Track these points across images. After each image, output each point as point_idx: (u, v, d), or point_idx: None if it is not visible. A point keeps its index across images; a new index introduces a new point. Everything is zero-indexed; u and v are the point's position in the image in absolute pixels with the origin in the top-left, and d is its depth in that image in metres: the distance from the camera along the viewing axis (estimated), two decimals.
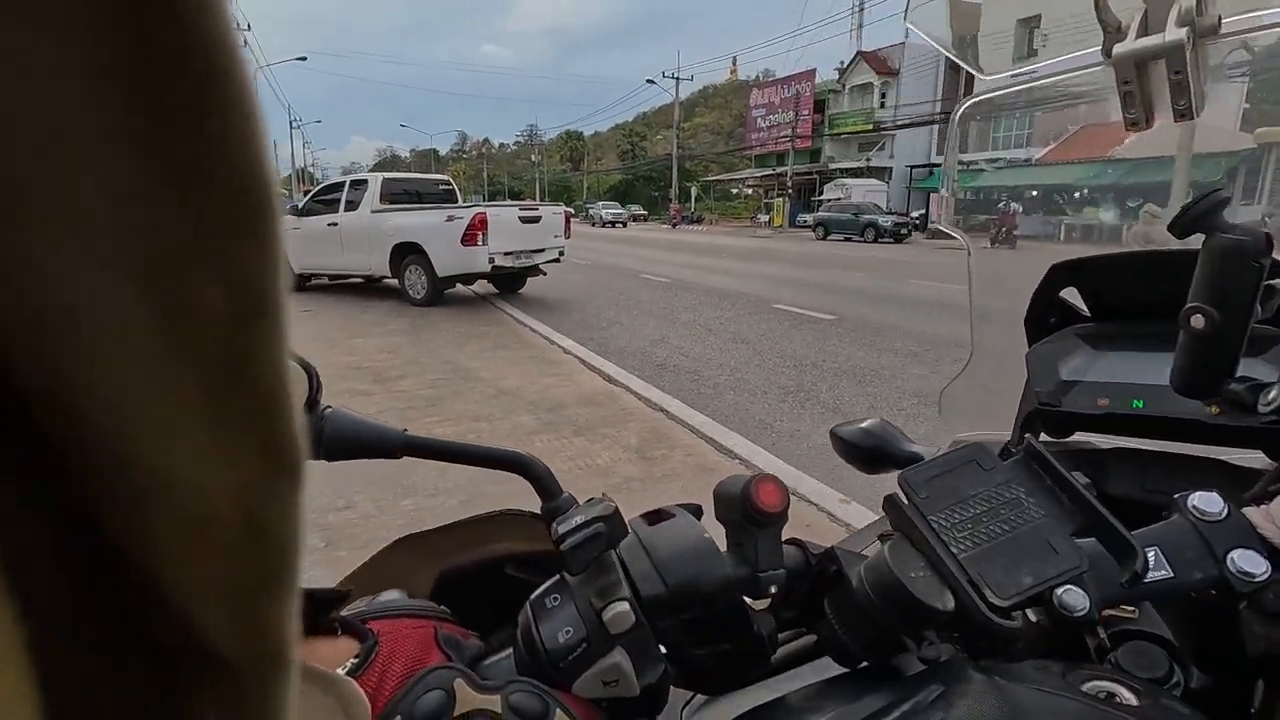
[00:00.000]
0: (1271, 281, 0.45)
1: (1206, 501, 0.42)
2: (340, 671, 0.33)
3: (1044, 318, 0.69)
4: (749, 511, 0.38)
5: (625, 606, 0.36)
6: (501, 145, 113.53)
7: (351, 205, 9.10)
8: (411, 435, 0.44)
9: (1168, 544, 0.41)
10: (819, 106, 40.20)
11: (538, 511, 0.43)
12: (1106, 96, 0.59)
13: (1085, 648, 0.48)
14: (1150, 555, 0.40)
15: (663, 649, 0.38)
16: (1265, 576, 0.39)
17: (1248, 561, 0.39)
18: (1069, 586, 0.39)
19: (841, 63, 40.35)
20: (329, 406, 0.44)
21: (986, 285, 0.78)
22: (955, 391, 0.79)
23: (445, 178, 10.72)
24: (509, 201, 13.75)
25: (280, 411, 0.13)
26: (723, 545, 0.41)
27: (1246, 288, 0.44)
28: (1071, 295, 0.69)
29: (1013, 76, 0.69)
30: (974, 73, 0.68)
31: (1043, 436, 0.65)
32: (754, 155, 45.49)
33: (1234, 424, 0.55)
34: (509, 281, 9.61)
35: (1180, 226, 0.45)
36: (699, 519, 0.42)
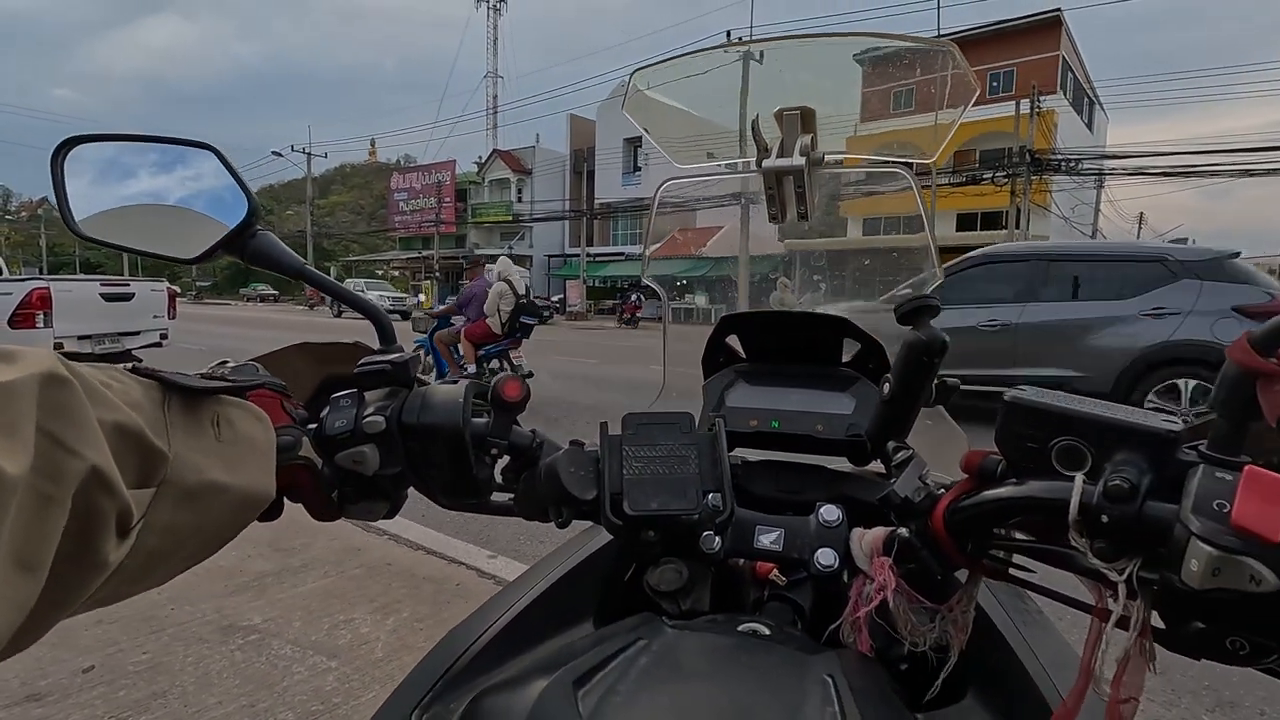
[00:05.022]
0: (944, 376, 0.58)
1: (829, 512, 0.56)
2: None
3: (715, 357, 0.85)
4: (494, 397, 0.56)
5: (380, 419, 0.51)
6: None
7: None
8: (309, 268, 0.60)
9: (790, 530, 0.56)
10: (461, 195, 41.62)
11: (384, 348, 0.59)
12: (757, 195, 0.76)
13: (753, 604, 0.64)
14: (775, 534, 0.56)
15: (408, 460, 0.53)
16: (834, 568, 0.54)
17: (825, 556, 0.54)
18: (709, 533, 0.53)
19: (480, 157, 42.74)
20: (261, 229, 0.57)
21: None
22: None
23: None
24: (86, 275, 11.13)
25: None
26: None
27: (922, 376, 0.58)
28: (734, 341, 0.85)
29: (696, 171, 0.88)
30: (672, 161, 0.86)
31: None
32: (399, 238, 44.70)
33: (831, 438, 0.73)
34: None
35: (900, 314, 0.57)
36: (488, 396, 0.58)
